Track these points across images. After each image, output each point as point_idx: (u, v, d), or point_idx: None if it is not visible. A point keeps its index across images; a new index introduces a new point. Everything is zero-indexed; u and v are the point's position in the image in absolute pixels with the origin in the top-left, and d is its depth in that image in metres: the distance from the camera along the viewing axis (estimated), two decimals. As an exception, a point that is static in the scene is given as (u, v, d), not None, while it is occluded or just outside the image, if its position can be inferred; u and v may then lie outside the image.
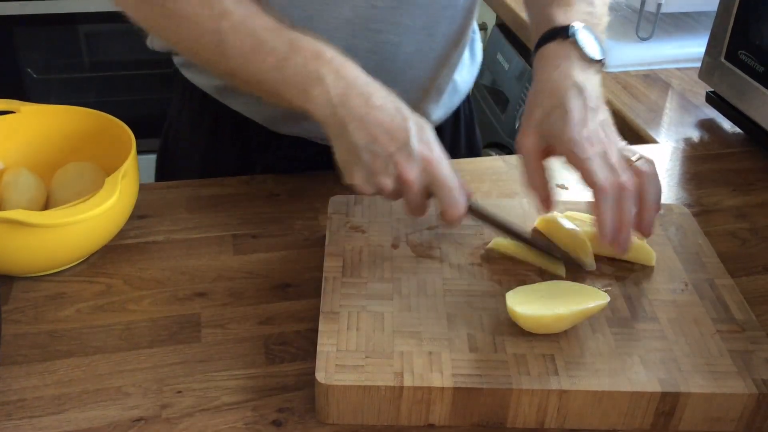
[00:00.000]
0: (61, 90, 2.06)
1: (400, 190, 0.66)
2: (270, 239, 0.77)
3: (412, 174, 0.64)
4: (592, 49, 0.69)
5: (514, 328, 0.62)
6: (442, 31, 0.81)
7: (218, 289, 0.70)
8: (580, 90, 0.66)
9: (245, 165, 0.88)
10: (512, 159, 0.93)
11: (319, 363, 0.58)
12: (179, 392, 0.60)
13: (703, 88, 1.06)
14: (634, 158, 0.65)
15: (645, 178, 0.64)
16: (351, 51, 0.75)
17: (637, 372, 0.58)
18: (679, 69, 1.19)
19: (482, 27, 1.66)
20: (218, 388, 0.61)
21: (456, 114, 0.96)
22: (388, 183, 0.65)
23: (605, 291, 0.66)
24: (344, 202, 0.75)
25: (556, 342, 0.61)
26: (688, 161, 0.95)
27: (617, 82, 1.14)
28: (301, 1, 0.75)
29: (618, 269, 0.69)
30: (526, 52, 1.39)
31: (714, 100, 1.03)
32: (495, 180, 0.88)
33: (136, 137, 0.74)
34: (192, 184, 0.84)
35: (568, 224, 0.71)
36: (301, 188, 0.84)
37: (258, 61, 0.66)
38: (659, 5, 1.19)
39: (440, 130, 0.92)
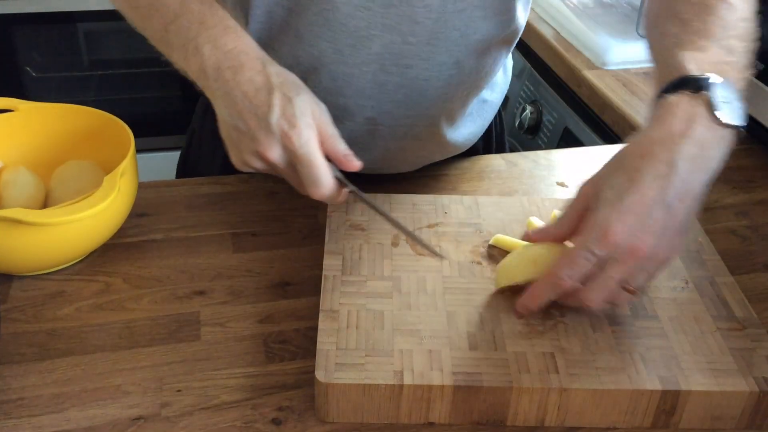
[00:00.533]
0: (60, 88, 2.05)
1: (270, 168, 0.64)
2: (269, 237, 0.76)
3: (272, 152, 0.62)
4: (729, 113, 0.56)
5: (514, 326, 0.61)
6: (473, 64, 0.78)
7: (218, 287, 0.70)
8: (670, 170, 0.55)
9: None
10: (512, 157, 0.93)
11: (319, 361, 0.57)
12: (179, 391, 0.60)
13: (704, 86, 1.05)
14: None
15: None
16: (380, 85, 0.75)
17: (638, 370, 0.58)
18: (679, 66, 1.18)
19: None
20: (218, 386, 0.60)
21: (488, 131, 0.94)
22: (255, 161, 0.63)
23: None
24: (344, 200, 0.75)
25: (557, 340, 0.60)
26: (688, 159, 0.95)
27: (617, 79, 1.14)
28: (331, 35, 0.73)
29: (618, 267, 0.69)
30: (525, 50, 1.38)
31: (714, 97, 1.02)
32: (494, 178, 0.88)
33: (136, 136, 0.74)
34: (191, 183, 0.84)
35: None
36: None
37: (153, 18, 0.66)
38: (659, 3, 1.19)
39: (473, 149, 0.91)
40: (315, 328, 0.61)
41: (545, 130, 1.29)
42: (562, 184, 0.88)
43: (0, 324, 0.62)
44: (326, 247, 0.69)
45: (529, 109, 1.33)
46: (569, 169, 0.91)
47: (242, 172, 0.85)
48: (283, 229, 0.78)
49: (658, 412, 0.58)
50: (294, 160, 0.62)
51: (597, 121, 1.14)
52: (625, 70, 1.17)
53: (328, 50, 0.74)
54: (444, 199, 0.76)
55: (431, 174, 0.88)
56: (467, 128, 0.87)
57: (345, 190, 0.66)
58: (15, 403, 0.58)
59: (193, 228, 0.77)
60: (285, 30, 0.74)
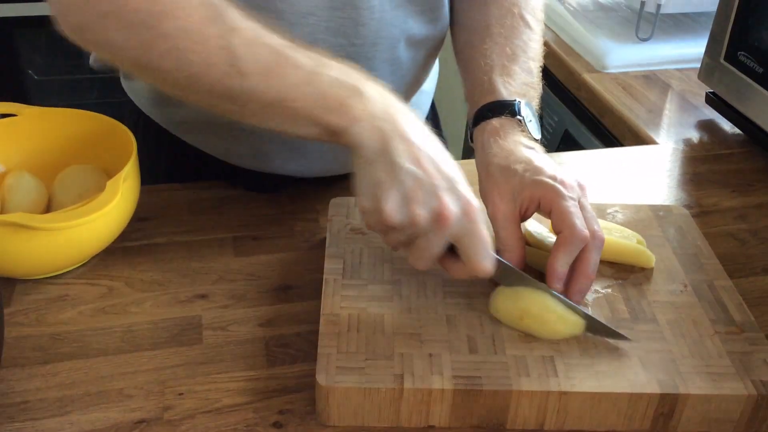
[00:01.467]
0: (62, 91, 2.06)
1: (426, 231, 0.59)
2: (271, 241, 0.77)
3: (454, 212, 0.58)
4: (534, 129, 0.69)
5: (513, 330, 0.62)
6: (412, 59, 0.81)
7: (219, 291, 0.70)
8: (536, 152, 0.66)
9: None
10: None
11: (320, 365, 0.58)
12: (181, 394, 0.60)
13: (703, 89, 1.06)
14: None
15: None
16: None
17: (637, 373, 0.58)
18: (678, 70, 1.19)
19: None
20: (219, 390, 0.61)
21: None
22: (423, 215, 0.58)
23: (605, 292, 0.67)
24: (345, 204, 0.76)
25: (556, 343, 0.61)
26: (687, 162, 0.96)
27: (617, 83, 1.15)
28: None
29: (617, 271, 0.69)
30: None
31: (713, 101, 1.03)
32: (495, 181, 0.88)
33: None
34: (193, 187, 0.84)
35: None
36: (301, 190, 0.84)
37: (284, 75, 0.59)
38: (659, 6, 1.19)
39: None
40: (316, 332, 0.61)
41: (545, 134, 1.30)
42: (561, 188, 0.88)
43: (3, 328, 0.63)
44: (327, 251, 0.70)
45: (529, 112, 1.33)
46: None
47: (235, 180, 0.84)
48: (285, 233, 0.78)
49: (656, 416, 0.58)
50: (468, 230, 0.59)
51: (597, 124, 1.15)
52: (625, 74, 1.17)
53: None
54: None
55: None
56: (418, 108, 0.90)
57: (497, 270, 0.63)
58: (18, 406, 0.59)
59: (194, 232, 0.78)
60: None
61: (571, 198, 0.63)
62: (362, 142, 0.58)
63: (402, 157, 0.58)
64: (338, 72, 0.60)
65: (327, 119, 0.59)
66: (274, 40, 0.60)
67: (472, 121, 0.71)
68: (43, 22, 1.89)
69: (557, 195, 0.63)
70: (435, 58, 0.87)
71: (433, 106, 1.01)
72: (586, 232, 0.62)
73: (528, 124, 0.68)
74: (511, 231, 0.64)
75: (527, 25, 0.76)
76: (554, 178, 0.63)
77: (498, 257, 0.63)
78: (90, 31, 0.60)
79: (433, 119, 1.01)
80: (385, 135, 0.58)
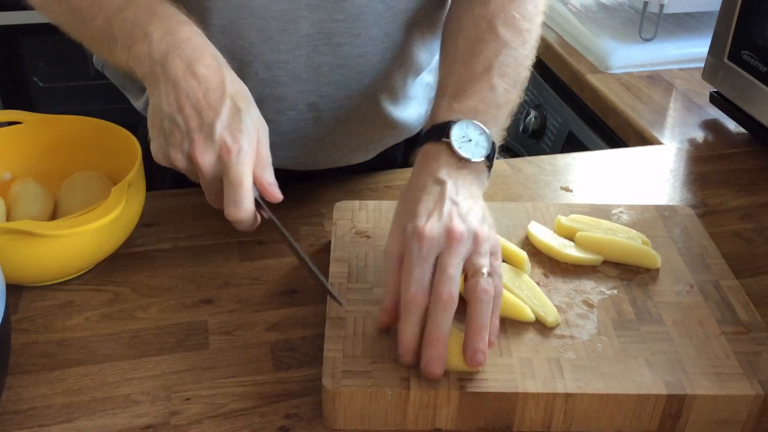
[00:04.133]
0: (67, 98, 2.07)
1: (191, 172, 0.62)
2: (276, 245, 0.77)
3: (205, 158, 0.59)
4: (470, 151, 0.62)
5: (519, 332, 0.62)
6: (404, 37, 0.78)
7: (225, 295, 0.71)
8: (441, 183, 0.60)
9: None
10: (516, 162, 0.93)
11: (326, 369, 0.58)
12: (187, 399, 0.60)
13: (707, 89, 1.06)
14: (484, 270, 0.57)
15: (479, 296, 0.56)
16: (315, 67, 0.75)
17: (643, 374, 0.58)
18: (682, 69, 1.19)
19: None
20: (226, 394, 0.61)
21: None
22: (179, 159, 0.61)
23: (611, 293, 0.66)
24: (349, 208, 0.76)
25: (562, 345, 0.61)
26: (692, 162, 0.95)
27: (620, 83, 1.15)
28: (259, 23, 0.72)
29: (623, 272, 0.69)
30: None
31: (718, 100, 1.03)
32: (499, 183, 0.88)
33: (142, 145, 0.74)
34: (198, 192, 0.84)
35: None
36: (306, 194, 0.85)
37: (95, 16, 0.63)
38: (662, 6, 1.19)
39: (420, 133, 0.91)
40: (322, 336, 0.61)
41: (549, 135, 1.30)
42: (566, 189, 0.88)
43: (10, 335, 0.63)
44: (332, 255, 0.70)
45: (533, 113, 1.33)
46: (574, 173, 0.91)
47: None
48: (290, 237, 0.78)
49: (663, 417, 0.58)
50: (224, 174, 0.60)
51: (601, 124, 1.14)
52: (629, 74, 1.17)
53: (258, 39, 0.72)
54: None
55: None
56: (414, 109, 0.86)
57: (260, 217, 0.64)
58: (26, 413, 0.59)
59: (200, 237, 0.78)
60: (210, 29, 0.72)
61: (420, 257, 0.56)
62: (144, 83, 0.62)
63: (165, 102, 0.59)
64: (137, 10, 0.61)
65: (118, 58, 0.63)
66: None
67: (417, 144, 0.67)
68: (47, 30, 1.90)
69: (408, 253, 0.57)
70: (435, 37, 0.83)
71: None
72: (420, 296, 0.55)
73: (462, 145, 0.62)
74: (390, 275, 0.59)
75: (497, 37, 0.69)
76: (416, 232, 0.57)
77: (272, 218, 0.63)
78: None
79: None
80: (157, 79, 0.60)
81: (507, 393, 0.57)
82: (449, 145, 0.62)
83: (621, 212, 0.77)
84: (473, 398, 0.57)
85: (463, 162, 0.62)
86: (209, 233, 0.78)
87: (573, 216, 0.74)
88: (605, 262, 0.70)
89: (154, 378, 0.62)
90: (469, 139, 0.63)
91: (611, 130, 1.11)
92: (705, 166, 0.94)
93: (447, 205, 0.58)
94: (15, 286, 0.70)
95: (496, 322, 0.58)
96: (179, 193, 0.85)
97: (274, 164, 0.73)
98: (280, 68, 0.75)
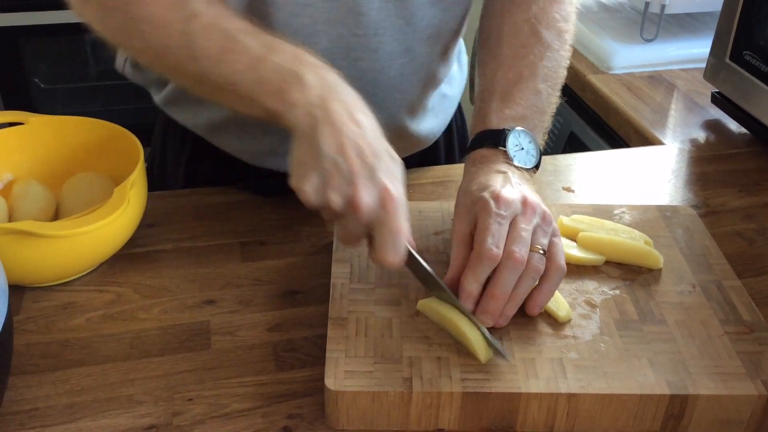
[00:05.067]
0: (68, 99, 2.07)
1: (344, 214, 0.60)
2: (278, 246, 0.77)
3: (367, 201, 0.58)
4: (523, 158, 0.67)
5: (522, 332, 0.62)
6: (424, 52, 0.78)
7: (227, 296, 0.71)
8: (504, 173, 0.66)
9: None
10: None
11: (328, 369, 0.58)
12: (190, 400, 0.60)
13: (709, 89, 1.06)
14: (541, 250, 0.62)
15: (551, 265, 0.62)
16: None
17: (646, 374, 0.58)
18: (684, 70, 1.19)
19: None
20: (228, 395, 0.61)
21: (449, 127, 0.94)
22: (337, 201, 0.59)
23: (613, 293, 0.66)
24: (351, 208, 0.76)
25: (564, 345, 0.61)
26: (694, 162, 0.95)
27: (622, 83, 1.15)
28: (280, 36, 0.69)
29: (626, 272, 0.69)
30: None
31: (719, 100, 1.03)
32: (501, 184, 0.88)
33: (144, 145, 0.74)
34: (199, 192, 0.85)
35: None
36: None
37: (231, 61, 0.62)
38: (663, 6, 1.19)
39: (435, 144, 0.92)
40: (324, 336, 0.61)
41: (551, 135, 1.29)
42: (568, 189, 0.88)
43: (13, 335, 0.63)
44: (334, 255, 0.70)
45: (534, 114, 1.33)
46: (575, 174, 0.91)
47: (235, 184, 0.85)
48: (291, 237, 0.78)
49: (666, 417, 0.58)
50: (383, 220, 0.59)
51: (602, 125, 1.14)
52: (630, 74, 1.17)
53: None
54: (450, 206, 0.77)
55: (437, 180, 0.88)
56: (429, 122, 0.87)
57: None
58: (28, 413, 0.59)
59: (202, 237, 0.78)
60: None
61: (498, 214, 0.61)
62: (296, 126, 0.60)
63: (326, 144, 0.59)
64: (284, 57, 0.61)
65: (266, 103, 0.61)
66: (231, 24, 0.63)
67: (467, 150, 0.71)
68: (48, 31, 1.91)
69: (484, 210, 0.62)
70: (452, 52, 0.84)
71: (461, 111, 0.99)
72: (495, 250, 0.60)
73: (516, 154, 0.67)
74: (458, 252, 0.63)
75: (540, 41, 0.72)
76: (493, 194, 0.62)
77: (418, 258, 0.62)
78: (78, 12, 0.68)
79: (461, 124, 0.99)
80: (316, 121, 0.59)
81: (510, 393, 0.57)
82: (505, 153, 0.67)
83: (623, 212, 0.77)
84: (476, 398, 0.57)
85: (511, 166, 0.67)
86: (211, 234, 0.78)
87: (575, 216, 0.74)
88: (607, 263, 0.70)
89: (156, 378, 0.62)
90: (522, 147, 0.68)
91: (613, 131, 1.11)
92: (707, 166, 0.94)
93: (515, 184, 0.65)
94: (17, 287, 0.70)
95: (548, 296, 0.63)
96: (181, 193, 0.85)
97: (281, 168, 0.72)
98: None
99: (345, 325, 0.62)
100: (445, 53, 0.82)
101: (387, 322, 0.62)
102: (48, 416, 0.59)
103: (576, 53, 1.25)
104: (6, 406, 0.59)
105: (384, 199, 0.59)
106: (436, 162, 0.94)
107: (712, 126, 1.03)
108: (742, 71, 0.97)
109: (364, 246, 0.70)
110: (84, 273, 0.72)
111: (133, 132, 0.77)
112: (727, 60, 0.99)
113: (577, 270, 0.69)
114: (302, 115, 0.60)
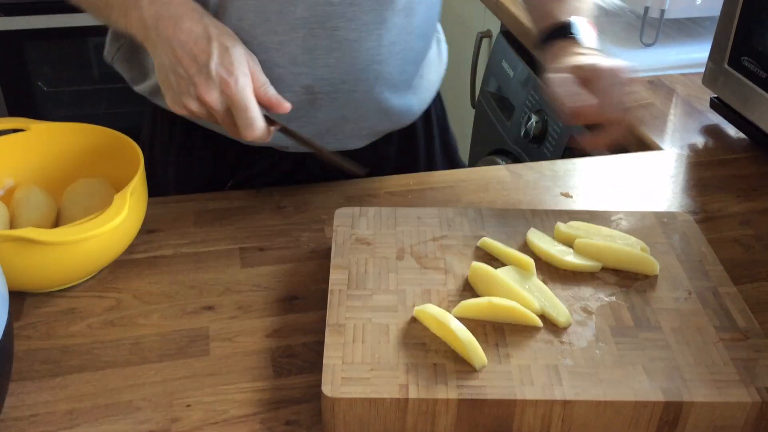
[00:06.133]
0: (71, 102, 2.08)
1: (206, 113, 0.70)
2: (277, 252, 0.77)
3: (211, 96, 0.68)
4: (591, 41, 0.84)
5: (517, 339, 0.62)
6: (399, 24, 0.81)
7: (226, 302, 0.71)
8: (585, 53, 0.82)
9: (219, 181, 0.90)
10: (516, 168, 0.94)
11: (325, 376, 0.58)
12: (189, 406, 0.61)
13: (708, 94, 1.06)
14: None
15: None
16: (310, 50, 0.78)
17: (641, 381, 0.59)
18: (683, 75, 1.19)
19: (486, 35, 1.67)
20: (227, 401, 0.61)
21: (427, 114, 0.96)
22: (192, 104, 0.70)
23: (609, 300, 0.67)
24: (350, 215, 0.76)
25: (560, 352, 0.61)
26: (692, 167, 0.96)
27: (621, 88, 1.15)
28: (256, 4, 0.76)
29: (622, 278, 0.69)
30: (529, 59, 1.39)
31: (718, 106, 1.03)
32: (500, 189, 0.89)
33: (144, 152, 0.75)
34: (199, 198, 0.85)
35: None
36: (307, 200, 0.85)
37: None
38: (663, 11, 1.19)
39: (413, 129, 0.94)
40: (322, 342, 0.62)
41: (550, 139, 1.30)
42: (566, 195, 0.88)
43: (13, 341, 0.63)
44: (332, 262, 0.70)
45: (534, 118, 1.33)
46: (574, 179, 0.92)
47: (243, 188, 0.87)
48: (290, 243, 0.79)
49: (661, 424, 0.58)
50: (230, 104, 0.69)
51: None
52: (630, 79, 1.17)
53: (256, 21, 0.76)
54: (448, 212, 0.77)
55: (435, 186, 0.89)
56: (408, 99, 0.89)
57: (273, 128, 0.73)
58: (28, 419, 0.60)
59: (201, 243, 0.78)
60: (208, 9, 0.75)
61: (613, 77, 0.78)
62: (145, 47, 0.72)
63: (165, 59, 0.69)
64: None
65: (119, 23, 0.73)
66: None
67: (539, 40, 0.87)
68: (52, 35, 1.92)
69: (600, 75, 0.78)
70: (429, 30, 0.88)
71: (441, 101, 1.01)
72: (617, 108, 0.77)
73: (584, 41, 0.83)
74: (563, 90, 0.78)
75: None
76: (599, 62, 0.79)
77: (284, 126, 0.74)
78: None
79: (441, 114, 1.01)
80: (152, 42, 0.70)
81: (505, 400, 0.57)
82: (576, 39, 0.84)
83: (620, 219, 0.77)
84: (472, 405, 0.57)
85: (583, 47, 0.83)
86: (210, 240, 0.79)
87: (572, 223, 0.75)
88: (604, 269, 0.70)
89: (155, 384, 0.63)
90: (582, 33, 0.85)
91: (612, 136, 1.11)
92: (705, 171, 0.94)
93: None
94: (18, 293, 0.71)
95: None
96: (181, 199, 0.85)
97: (272, 144, 0.79)
98: (277, 50, 0.78)
99: (342, 332, 0.62)
100: (421, 29, 0.85)
101: (384, 329, 0.63)
102: (48, 422, 0.59)
103: (576, 58, 1.25)
104: (6, 412, 0.60)
105: (222, 87, 0.68)
106: (415, 148, 0.96)
107: (711, 131, 1.04)
108: (741, 77, 0.97)
109: (362, 253, 0.71)
110: (84, 279, 0.73)
111: (137, 134, 0.77)
112: (726, 65, 1.00)
113: (573, 276, 0.69)
114: (145, 39, 0.71)
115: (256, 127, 0.70)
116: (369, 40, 0.79)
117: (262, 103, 0.71)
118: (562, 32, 0.83)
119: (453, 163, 1.03)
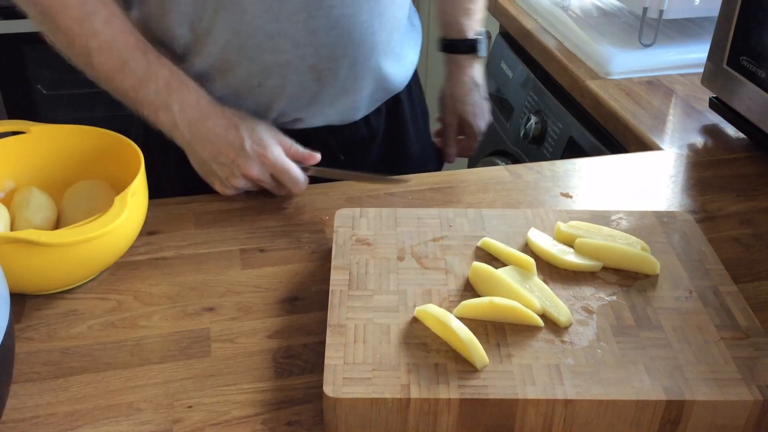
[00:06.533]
0: (70, 105, 2.08)
1: (253, 185, 0.82)
2: (277, 253, 0.78)
3: (254, 171, 0.80)
4: (485, 51, 1.04)
5: (519, 339, 0.62)
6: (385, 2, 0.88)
7: (227, 303, 0.71)
8: (479, 87, 1.05)
9: None
10: (516, 168, 0.94)
11: (327, 376, 0.58)
12: (190, 407, 0.61)
13: (707, 94, 1.06)
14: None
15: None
16: (312, 32, 0.83)
17: (642, 380, 0.59)
18: (682, 75, 1.19)
19: (487, 36, 1.66)
20: (228, 402, 0.61)
21: (409, 88, 1.02)
22: (240, 183, 0.81)
23: (610, 299, 0.67)
24: (350, 216, 0.76)
25: (561, 352, 0.61)
26: (692, 167, 0.96)
27: (620, 89, 1.15)
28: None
29: (622, 278, 0.69)
30: (529, 60, 1.39)
31: (717, 105, 1.03)
32: (499, 190, 0.89)
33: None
34: (200, 200, 0.85)
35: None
36: (307, 202, 0.85)
37: (120, 80, 0.78)
38: (661, 11, 1.19)
39: (398, 101, 1.00)
40: (323, 343, 0.62)
41: (550, 140, 1.30)
42: (566, 195, 0.88)
43: (14, 343, 0.63)
44: (333, 262, 0.70)
45: (533, 119, 1.33)
46: (573, 179, 0.92)
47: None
48: (291, 244, 0.79)
49: (662, 423, 0.58)
50: (273, 171, 0.81)
51: (601, 130, 1.15)
52: (629, 80, 1.18)
53: (258, 11, 0.80)
54: (449, 213, 0.77)
55: (436, 186, 0.89)
56: (397, 67, 0.96)
57: (308, 173, 0.83)
58: (29, 421, 0.60)
59: (202, 245, 0.78)
60: (213, 11, 0.81)
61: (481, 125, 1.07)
62: (178, 142, 0.81)
63: (205, 154, 0.80)
64: (157, 86, 0.78)
65: (148, 118, 0.80)
66: (125, 43, 0.78)
67: (442, 46, 1.04)
68: (51, 38, 1.91)
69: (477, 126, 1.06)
70: None
71: (417, 80, 1.06)
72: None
73: (483, 54, 1.04)
74: (453, 134, 1.08)
75: None
76: (477, 116, 1.06)
77: (316, 170, 0.84)
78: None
79: (417, 92, 1.06)
80: (188, 141, 0.80)
81: (507, 399, 0.57)
82: (478, 57, 1.04)
83: (620, 218, 0.77)
84: (473, 405, 0.57)
85: (480, 60, 1.04)
86: (211, 241, 0.79)
87: (572, 222, 0.75)
88: (604, 269, 0.70)
89: (156, 386, 0.63)
90: (482, 44, 1.03)
91: (611, 136, 1.12)
92: (704, 171, 0.95)
93: (485, 102, 1.07)
94: (19, 295, 0.71)
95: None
96: (181, 201, 0.85)
97: (281, 125, 0.87)
98: (281, 36, 0.82)
99: (343, 332, 0.62)
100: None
101: (385, 329, 0.63)
102: (49, 424, 0.59)
103: (574, 59, 1.25)
104: (8, 413, 0.60)
105: (260, 160, 0.80)
106: (401, 117, 1.02)
107: (710, 131, 1.04)
108: (740, 76, 0.97)
109: (363, 254, 0.71)
110: (85, 281, 0.73)
111: (135, 138, 0.77)
112: (725, 65, 1.00)
113: (574, 276, 0.70)
114: (178, 137, 0.80)
115: (299, 181, 0.81)
116: (362, 14, 0.85)
117: (295, 160, 0.82)
118: (468, 47, 1.02)
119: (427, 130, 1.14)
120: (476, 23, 1.03)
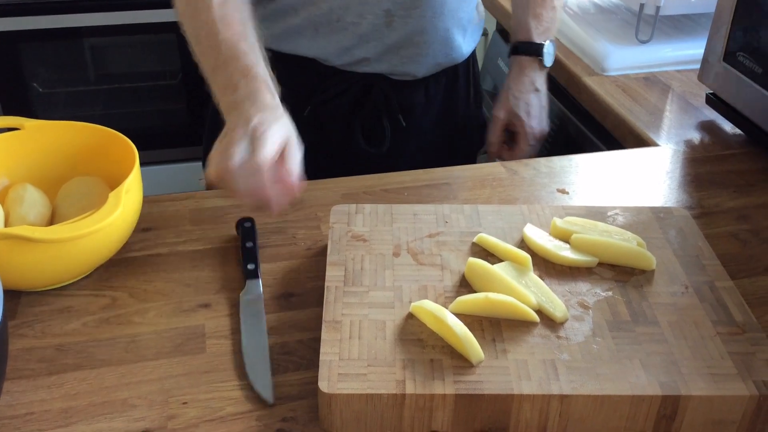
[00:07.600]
0: (66, 103, 2.07)
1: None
2: (273, 249, 0.77)
3: (268, 159, 0.69)
4: (549, 60, 1.03)
5: (514, 334, 0.62)
6: None
7: (222, 300, 0.71)
8: (538, 93, 1.04)
9: (296, 111, 0.88)
10: (512, 165, 0.94)
11: (322, 372, 0.58)
12: (185, 403, 0.61)
13: (703, 90, 1.06)
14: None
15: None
16: (390, 28, 0.94)
17: (638, 375, 0.59)
18: (679, 71, 1.19)
19: (483, 33, 1.66)
20: (223, 398, 0.61)
21: (466, 63, 1.08)
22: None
23: (606, 294, 0.67)
24: (346, 212, 0.76)
25: (557, 347, 0.61)
26: (688, 163, 0.96)
27: (617, 85, 1.15)
28: (346, 1, 0.90)
29: (618, 273, 0.69)
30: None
31: (714, 101, 1.03)
32: (495, 186, 0.89)
33: (142, 149, 0.75)
34: (195, 196, 0.85)
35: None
36: (303, 198, 0.85)
37: (208, 57, 0.77)
38: (658, 7, 1.19)
39: (456, 74, 1.06)
40: (318, 339, 0.62)
41: (547, 136, 1.30)
42: (562, 191, 0.88)
43: (8, 340, 0.63)
44: (329, 259, 0.70)
45: (530, 115, 1.33)
46: (570, 176, 0.92)
47: (320, 115, 0.98)
48: (286, 240, 0.79)
49: (658, 418, 0.58)
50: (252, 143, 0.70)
51: (598, 126, 1.15)
52: (625, 76, 1.17)
53: (345, 18, 0.89)
54: (445, 209, 0.77)
55: (432, 183, 0.89)
56: (465, 39, 1.03)
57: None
58: (23, 418, 0.59)
59: (197, 241, 0.78)
60: None
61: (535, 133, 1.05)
62: (222, 108, 0.75)
63: (243, 123, 0.70)
64: (234, 69, 0.74)
65: (217, 95, 0.76)
66: (225, 36, 0.76)
67: (510, 50, 1.05)
68: (47, 36, 1.91)
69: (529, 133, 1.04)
70: None
71: (476, 64, 1.12)
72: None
73: (547, 63, 1.03)
74: (499, 133, 1.06)
75: None
76: (533, 122, 1.04)
77: None
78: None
79: (474, 75, 1.11)
80: (239, 112, 0.72)
81: (502, 395, 0.57)
82: (540, 60, 1.03)
83: (617, 214, 0.77)
84: (469, 400, 0.57)
85: (545, 68, 1.04)
86: (206, 238, 0.79)
87: (568, 218, 0.75)
88: (600, 264, 0.70)
89: (151, 382, 0.62)
90: (549, 53, 1.03)
91: (608, 132, 1.12)
92: (701, 167, 0.94)
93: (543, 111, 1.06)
94: (13, 292, 0.71)
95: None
96: (176, 197, 0.85)
97: (351, 60, 0.96)
98: None
99: (339, 328, 0.62)
100: None
101: (380, 325, 0.63)
102: (43, 420, 0.59)
103: (571, 55, 1.25)
104: (1, 410, 0.60)
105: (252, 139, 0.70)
106: (456, 91, 1.08)
107: (707, 127, 1.04)
108: (736, 72, 0.97)
109: (358, 250, 0.71)
110: (79, 277, 0.73)
111: (131, 136, 0.77)
112: (721, 61, 1.00)
113: (570, 272, 0.69)
114: (231, 109, 0.73)
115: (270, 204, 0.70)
116: None
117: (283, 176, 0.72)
118: (532, 49, 1.02)
119: (481, 114, 1.16)
120: (545, 30, 1.03)
